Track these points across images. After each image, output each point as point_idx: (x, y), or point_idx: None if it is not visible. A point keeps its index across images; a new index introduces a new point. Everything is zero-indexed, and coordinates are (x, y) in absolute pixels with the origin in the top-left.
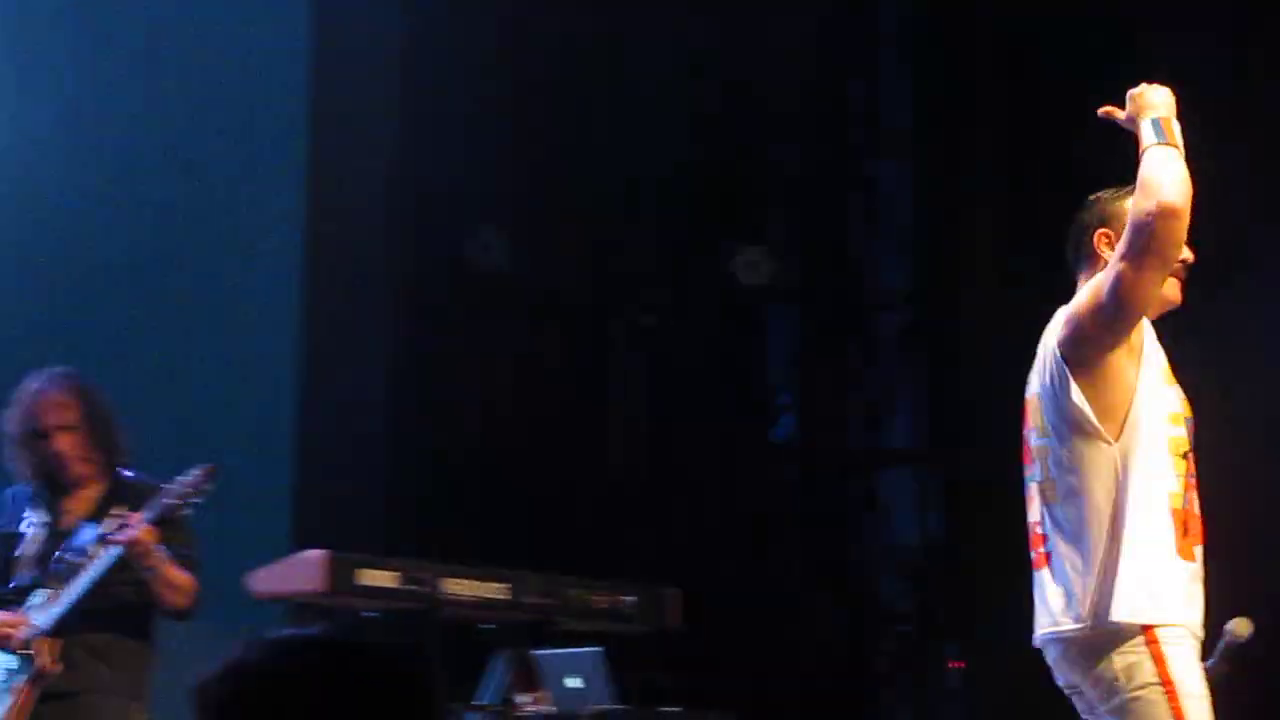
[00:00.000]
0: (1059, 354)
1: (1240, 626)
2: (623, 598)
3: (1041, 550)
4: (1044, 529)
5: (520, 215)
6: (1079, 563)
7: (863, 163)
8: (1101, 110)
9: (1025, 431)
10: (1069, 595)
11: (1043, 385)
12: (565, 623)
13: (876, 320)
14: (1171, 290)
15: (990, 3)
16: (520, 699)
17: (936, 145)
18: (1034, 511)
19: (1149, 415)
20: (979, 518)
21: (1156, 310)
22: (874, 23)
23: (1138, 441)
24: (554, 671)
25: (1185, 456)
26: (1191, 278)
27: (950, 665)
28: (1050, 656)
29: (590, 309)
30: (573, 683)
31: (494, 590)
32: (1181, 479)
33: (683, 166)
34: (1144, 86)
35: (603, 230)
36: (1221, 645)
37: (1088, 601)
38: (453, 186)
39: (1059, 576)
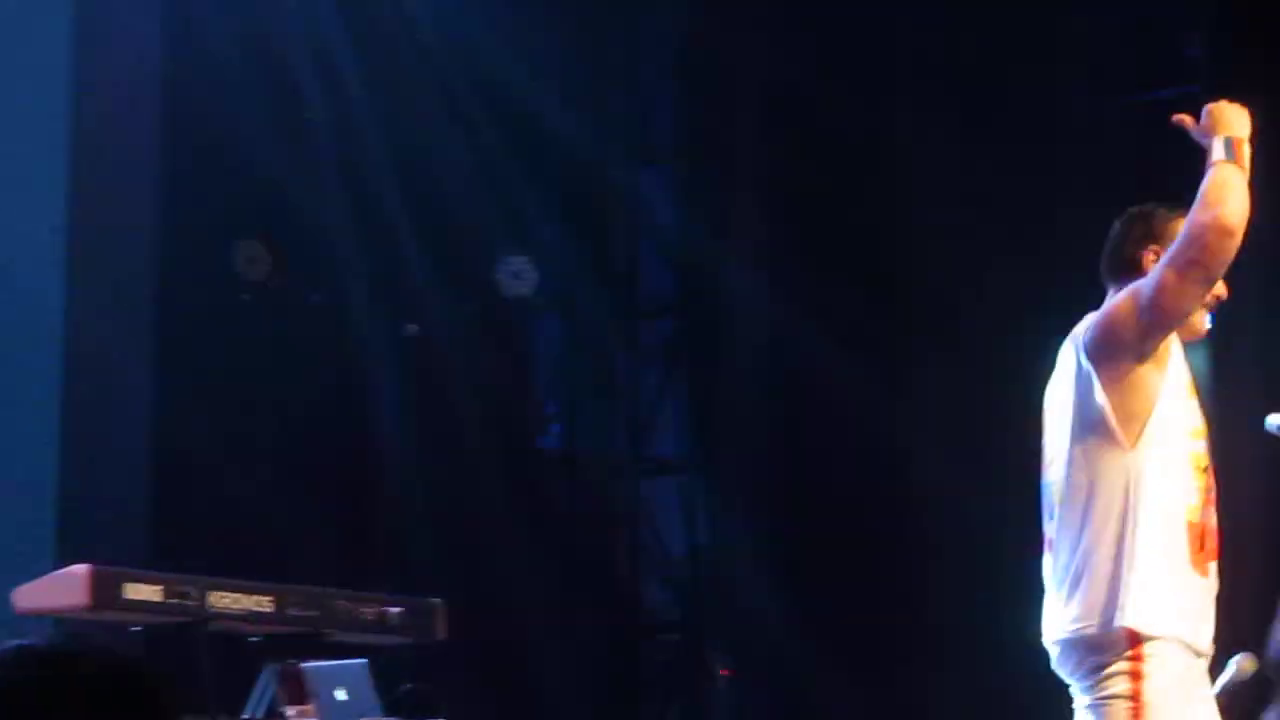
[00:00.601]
0: (1086, 355)
1: (1247, 664)
2: (389, 609)
3: (1049, 553)
4: (1052, 531)
5: (285, 226)
6: (1081, 566)
7: (626, 172)
8: (1175, 117)
9: (1045, 435)
10: (1068, 599)
11: (1065, 386)
12: (332, 635)
13: (640, 329)
14: (1200, 321)
15: (753, 14)
16: (288, 712)
17: (699, 155)
18: (1046, 514)
19: (1170, 426)
20: (745, 525)
21: (1184, 336)
22: (635, 33)
23: (1155, 451)
24: (321, 684)
25: (1205, 471)
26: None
27: (719, 673)
28: (1058, 652)
29: (355, 319)
30: (340, 695)
31: (260, 603)
32: (1200, 493)
33: (447, 175)
34: (1223, 103)
35: (365, 240)
36: (1226, 680)
37: (1084, 605)
38: (219, 197)
39: (1060, 579)
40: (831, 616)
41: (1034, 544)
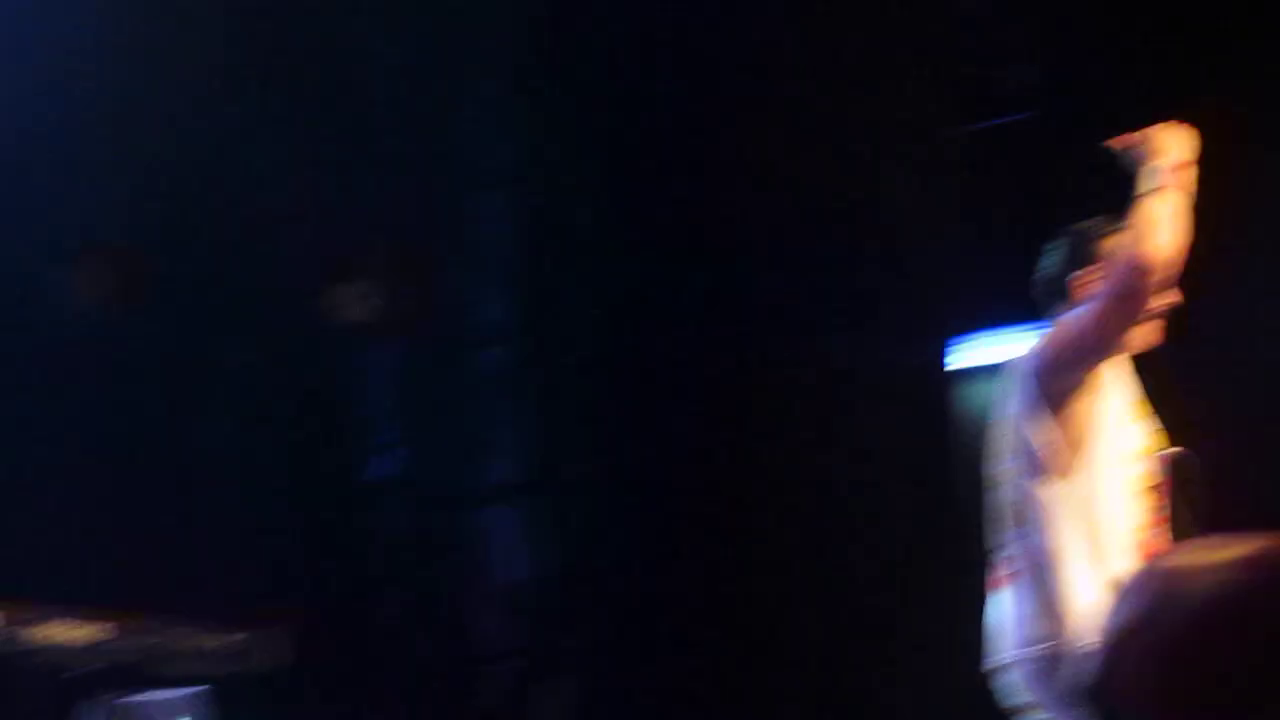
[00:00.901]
0: (1023, 386)
1: None
2: (228, 637)
3: (1007, 571)
4: (1010, 550)
5: (112, 245)
6: (1042, 586)
7: (462, 196)
8: (1111, 141)
9: (995, 464)
10: (1036, 615)
11: (1014, 411)
12: (169, 664)
13: (477, 356)
14: (1150, 332)
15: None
16: None
17: (539, 178)
18: (999, 532)
19: (1110, 452)
20: (584, 553)
21: (1135, 348)
22: (476, 53)
23: (1096, 478)
24: (157, 715)
25: (1154, 490)
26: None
27: (553, 703)
28: (1016, 675)
29: (184, 347)
30: None
31: (89, 632)
32: (1148, 514)
33: (278, 197)
34: (1161, 128)
35: (196, 266)
36: None
37: (1053, 623)
38: (39, 216)
39: (1026, 598)
40: (677, 645)
41: (904, 568)
